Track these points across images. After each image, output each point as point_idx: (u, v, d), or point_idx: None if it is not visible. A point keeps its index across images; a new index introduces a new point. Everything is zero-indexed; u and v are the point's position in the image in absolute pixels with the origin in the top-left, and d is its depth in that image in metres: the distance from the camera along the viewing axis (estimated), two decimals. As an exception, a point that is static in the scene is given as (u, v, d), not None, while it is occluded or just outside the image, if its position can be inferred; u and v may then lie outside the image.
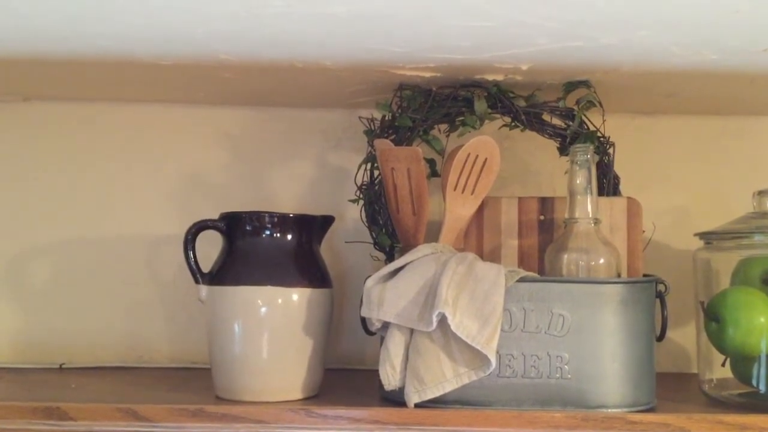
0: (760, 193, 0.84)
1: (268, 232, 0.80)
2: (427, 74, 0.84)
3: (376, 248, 0.90)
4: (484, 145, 0.81)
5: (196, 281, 0.80)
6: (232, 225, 0.81)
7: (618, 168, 0.89)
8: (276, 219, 0.80)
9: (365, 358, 0.98)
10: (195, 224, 0.81)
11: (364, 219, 0.90)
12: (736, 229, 0.83)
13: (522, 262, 0.84)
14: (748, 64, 0.78)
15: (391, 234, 0.88)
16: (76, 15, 0.68)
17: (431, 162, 0.90)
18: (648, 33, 0.69)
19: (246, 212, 0.81)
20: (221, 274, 0.80)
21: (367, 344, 0.94)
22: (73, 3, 0.66)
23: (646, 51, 0.74)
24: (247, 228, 0.80)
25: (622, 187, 0.90)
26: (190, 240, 0.80)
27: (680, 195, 1.01)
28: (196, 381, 0.88)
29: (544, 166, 0.99)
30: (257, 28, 0.70)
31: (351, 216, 0.97)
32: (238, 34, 0.73)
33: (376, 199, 0.89)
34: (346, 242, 0.97)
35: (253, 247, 0.80)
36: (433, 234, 0.82)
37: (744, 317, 0.79)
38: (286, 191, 1.01)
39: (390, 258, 0.88)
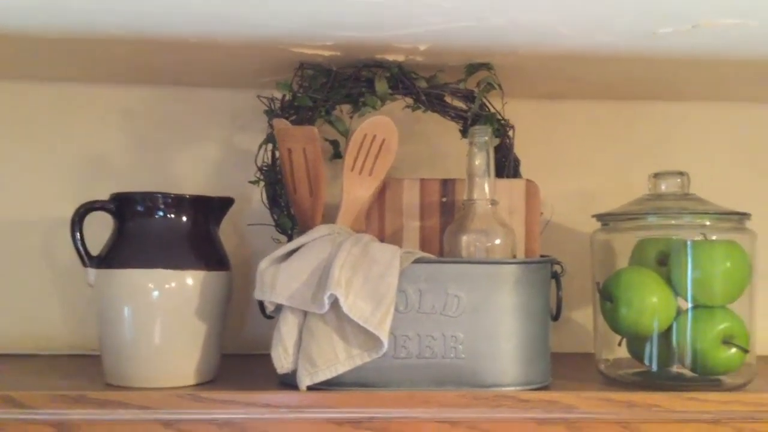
0: (656, 175, 0.86)
1: (161, 214, 0.78)
2: (327, 53, 0.82)
3: (278, 230, 0.89)
4: (382, 125, 0.80)
5: (84, 264, 0.78)
6: (123, 206, 0.78)
7: (521, 152, 0.89)
8: (170, 200, 0.78)
9: (269, 342, 0.96)
10: (83, 205, 0.78)
11: (265, 201, 0.88)
12: (631, 210, 0.84)
13: (423, 244, 0.84)
14: (640, 48, 0.79)
15: (292, 216, 0.87)
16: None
17: (335, 143, 0.88)
18: (533, 15, 0.69)
19: (138, 192, 0.78)
20: (110, 257, 0.77)
21: (271, 329, 0.92)
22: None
23: (536, 33, 0.74)
24: (139, 209, 0.78)
25: (525, 171, 0.90)
26: (77, 222, 0.78)
27: (583, 178, 1.02)
28: (93, 368, 0.84)
29: (452, 149, 0.98)
30: (144, 2, 0.68)
31: (257, 198, 0.95)
32: (126, 8, 0.70)
33: (276, 181, 0.87)
34: (248, 225, 0.96)
35: (144, 228, 0.77)
36: (335, 216, 0.81)
37: (636, 297, 0.80)
38: (191, 173, 0.99)
39: (291, 240, 0.86)
